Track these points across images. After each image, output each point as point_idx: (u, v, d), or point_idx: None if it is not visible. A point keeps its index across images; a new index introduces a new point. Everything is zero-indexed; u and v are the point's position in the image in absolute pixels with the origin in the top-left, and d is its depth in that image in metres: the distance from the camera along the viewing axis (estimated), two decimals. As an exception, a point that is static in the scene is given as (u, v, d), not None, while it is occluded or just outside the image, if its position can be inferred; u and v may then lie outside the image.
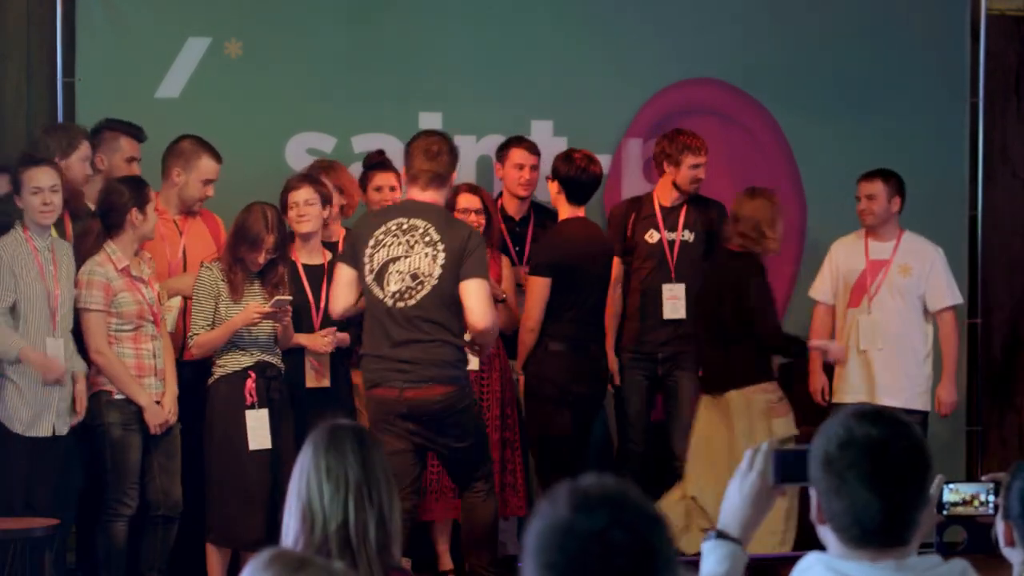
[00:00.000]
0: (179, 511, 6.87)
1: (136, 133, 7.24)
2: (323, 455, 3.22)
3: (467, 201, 7.44)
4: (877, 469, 2.58)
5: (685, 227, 7.82)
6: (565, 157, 7.57)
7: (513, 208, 7.94)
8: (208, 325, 6.79)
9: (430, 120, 8.03)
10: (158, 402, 6.76)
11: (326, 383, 7.06)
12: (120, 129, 7.20)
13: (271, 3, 7.94)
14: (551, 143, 7.99)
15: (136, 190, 6.75)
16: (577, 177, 7.46)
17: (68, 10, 7.68)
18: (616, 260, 7.75)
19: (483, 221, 7.41)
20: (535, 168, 7.81)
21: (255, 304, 6.78)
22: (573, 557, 2.04)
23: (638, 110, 8.32)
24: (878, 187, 7.77)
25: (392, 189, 7.45)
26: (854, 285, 7.79)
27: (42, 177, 6.53)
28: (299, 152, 7.87)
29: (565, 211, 7.59)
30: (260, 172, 7.56)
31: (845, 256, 7.83)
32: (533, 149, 7.82)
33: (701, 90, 8.41)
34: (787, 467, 2.79)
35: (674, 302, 7.75)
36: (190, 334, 6.79)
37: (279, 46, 7.89)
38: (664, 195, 7.86)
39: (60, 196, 6.58)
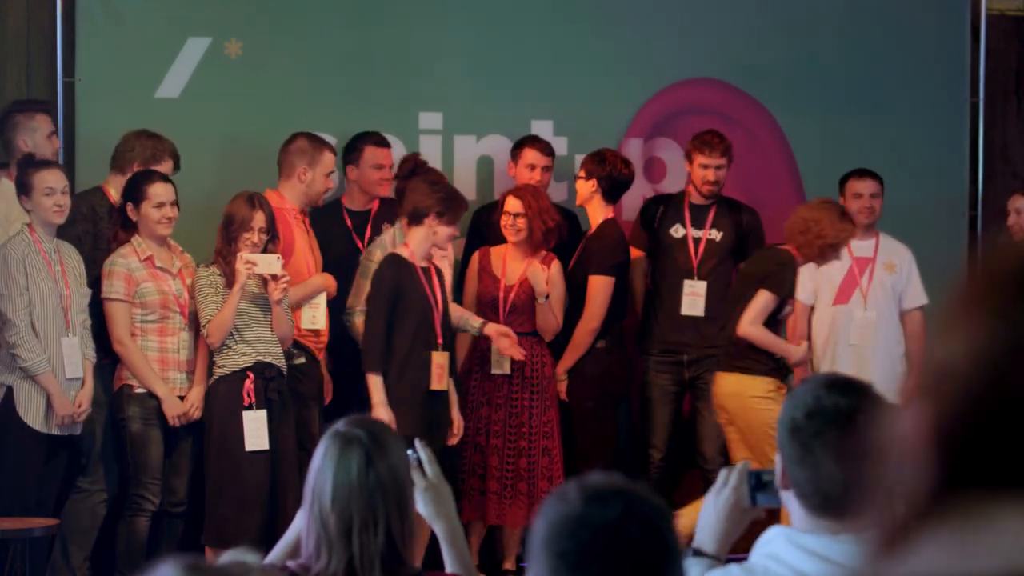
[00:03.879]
0: (182, 509, 6.92)
1: (47, 107, 7.34)
2: (331, 477, 3.19)
3: (510, 205, 7.48)
4: (843, 439, 2.57)
5: (713, 226, 7.79)
6: (600, 159, 7.62)
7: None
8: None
9: (430, 120, 8.03)
10: (182, 397, 6.80)
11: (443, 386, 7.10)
12: (32, 108, 7.24)
13: (271, 3, 7.94)
14: (551, 143, 7.99)
15: (131, 186, 6.81)
16: (619, 176, 7.61)
17: (68, 10, 7.68)
18: (641, 254, 7.86)
19: (522, 225, 7.44)
20: (548, 169, 7.80)
21: (239, 260, 6.70)
22: (586, 546, 2.05)
23: (638, 110, 8.31)
24: (878, 186, 7.82)
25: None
26: (841, 282, 7.79)
27: (54, 179, 6.62)
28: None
29: (599, 211, 7.64)
30: (260, 172, 7.55)
31: None
32: (546, 150, 7.80)
33: (701, 90, 8.41)
34: (762, 487, 2.79)
35: (693, 298, 7.69)
36: (203, 325, 6.77)
37: (279, 46, 7.89)
38: (694, 193, 7.85)
39: (68, 197, 6.68)
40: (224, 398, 6.78)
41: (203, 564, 2.11)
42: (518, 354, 7.29)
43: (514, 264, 7.56)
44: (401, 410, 6.84)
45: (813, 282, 7.83)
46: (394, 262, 7.00)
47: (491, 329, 7.29)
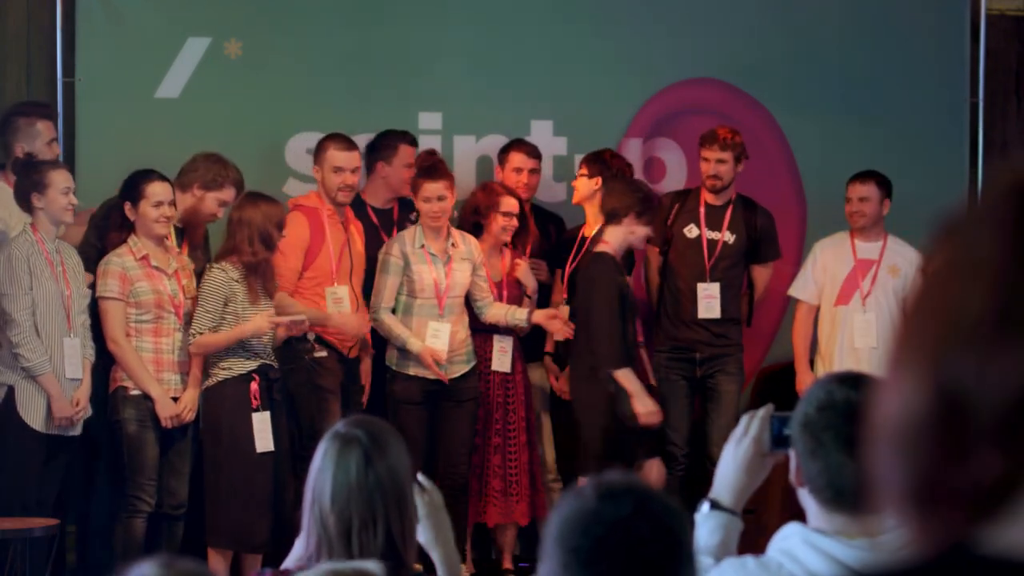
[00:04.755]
0: (183, 511, 6.91)
1: (48, 112, 7.31)
2: (330, 478, 3.19)
3: (508, 205, 7.50)
4: (853, 432, 2.57)
5: (728, 228, 7.78)
6: (602, 160, 7.63)
7: (515, 211, 7.96)
8: (213, 328, 6.76)
9: (430, 120, 8.03)
10: (176, 398, 6.80)
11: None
12: (34, 113, 7.22)
13: (271, 3, 7.94)
14: (551, 143, 7.99)
15: (129, 185, 6.81)
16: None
17: (68, 10, 7.67)
18: (655, 251, 7.84)
19: (515, 225, 7.48)
20: (535, 172, 7.80)
21: (268, 315, 6.76)
22: (598, 542, 2.06)
23: (638, 110, 8.31)
24: (872, 189, 7.78)
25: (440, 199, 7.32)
26: (843, 283, 7.77)
27: (67, 179, 6.67)
28: (299, 152, 7.86)
29: (599, 211, 7.65)
30: (260, 172, 7.55)
31: (832, 256, 7.81)
32: (533, 152, 7.80)
33: (701, 90, 8.41)
34: (783, 432, 2.77)
35: (709, 301, 7.67)
36: (191, 332, 6.77)
37: (279, 46, 7.89)
38: (709, 192, 7.84)
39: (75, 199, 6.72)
40: (231, 401, 6.77)
41: (177, 562, 2.12)
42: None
43: (492, 261, 7.59)
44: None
45: (817, 282, 7.82)
46: (610, 261, 7.10)
47: (540, 316, 7.37)
